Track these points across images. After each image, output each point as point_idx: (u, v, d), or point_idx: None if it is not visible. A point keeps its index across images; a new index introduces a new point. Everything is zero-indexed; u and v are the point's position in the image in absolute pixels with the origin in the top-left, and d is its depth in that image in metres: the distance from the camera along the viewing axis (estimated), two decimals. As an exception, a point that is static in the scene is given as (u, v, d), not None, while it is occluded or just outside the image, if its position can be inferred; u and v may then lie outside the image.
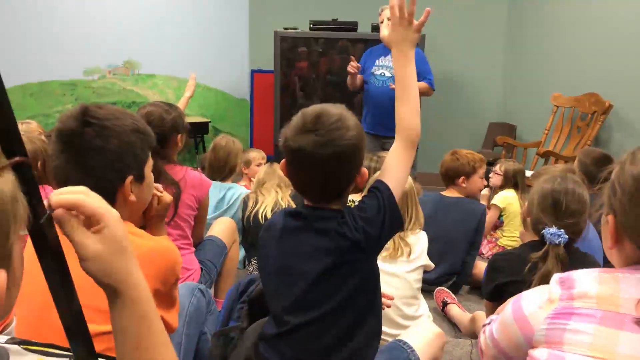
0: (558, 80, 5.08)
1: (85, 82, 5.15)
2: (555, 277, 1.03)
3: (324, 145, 1.24)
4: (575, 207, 1.70)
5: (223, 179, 3.21)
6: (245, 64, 5.75)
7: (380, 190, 1.33)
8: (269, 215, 2.83)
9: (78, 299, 0.61)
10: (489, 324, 1.26)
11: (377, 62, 4.33)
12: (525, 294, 1.10)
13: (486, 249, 3.71)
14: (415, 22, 1.37)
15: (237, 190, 3.20)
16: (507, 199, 3.65)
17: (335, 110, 1.30)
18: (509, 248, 3.58)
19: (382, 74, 4.29)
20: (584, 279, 0.98)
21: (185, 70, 5.14)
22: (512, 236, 3.61)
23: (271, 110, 5.28)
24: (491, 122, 5.71)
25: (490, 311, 2.03)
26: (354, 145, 1.29)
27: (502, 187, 3.77)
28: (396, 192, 1.33)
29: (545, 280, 1.68)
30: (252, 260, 2.95)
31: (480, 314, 2.41)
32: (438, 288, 2.90)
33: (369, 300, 1.37)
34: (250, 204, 2.91)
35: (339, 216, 1.33)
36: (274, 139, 5.20)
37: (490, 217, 3.62)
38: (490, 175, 3.91)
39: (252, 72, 5.72)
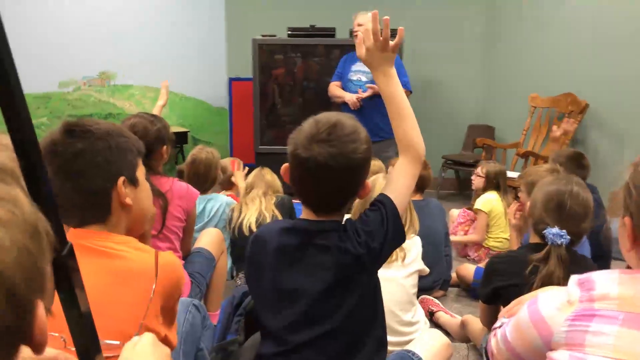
0: (535, 81, 5.14)
1: (60, 95, 5.04)
2: (574, 278, 1.02)
3: (337, 156, 1.22)
4: (579, 210, 1.70)
5: (203, 191, 3.16)
6: (222, 72, 5.70)
7: (384, 203, 1.31)
8: (253, 226, 2.79)
9: (97, 335, 0.58)
10: (499, 327, 1.23)
11: (352, 68, 4.33)
12: (541, 295, 1.08)
13: (472, 251, 3.72)
14: (391, 44, 1.35)
15: (217, 201, 3.14)
16: (491, 201, 3.66)
17: (350, 121, 1.28)
18: (495, 249, 3.60)
19: (359, 79, 4.29)
20: (604, 280, 0.96)
21: (162, 80, 5.07)
22: (497, 237, 3.62)
23: (250, 118, 5.23)
24: (470, 124, 5.74)
25: (487, 314, 2.02)
26: (366, 159, 1.27)
27: (484, 189, 3.78)
28: (400, 206, 1.32)
29: (547, 281, 1.68)
30: (240, 273, 2.89)
31: (470, 318, 2.40)
32: (422, 296, 2.87)
33: (372, 312, 1.34)
34: (235, 215, 2.87)
35: (340, 229, 1.30)
36: (255, 147, 5.15)
37: (480, 223, 3.62)
38: (473, 177, 3.93)
39: (230, 80, 5.67)
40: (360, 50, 1.38)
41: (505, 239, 3.59)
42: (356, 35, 4.14)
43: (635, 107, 4.32)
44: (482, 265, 3.13)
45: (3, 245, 0.41)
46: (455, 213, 3.96)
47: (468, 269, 3.03)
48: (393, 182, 1.36)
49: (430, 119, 5.85)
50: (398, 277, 2.11)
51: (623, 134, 4.47)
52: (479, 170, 3.86)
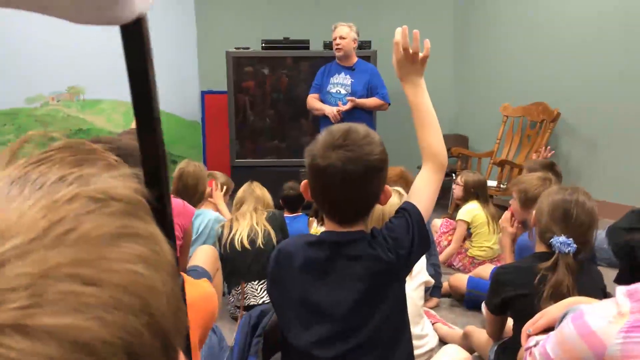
0: (506, 91, 5.25)
1: (27, 111, 4.86)
2: (622, 289, 1.02)
3: (355, 160, 1.23)
4: (585, 218, 1.73)
5: (192, 206, 3.08)
6: (195, 85, 5.61)
7: (408, 211, 1.32)
8: (245, 242, 2.75)
9: None
10: (534, 345, 1.23)
11: (332, 80, 4.33)
12: (586, 309, 1.08)
13: (456, 260, 3.75)
14: (420, 55, 1.38)
15: (205, 216, 3.08)
16: (472, 211, 3.70)
17: (361, 126, 1.30)
18: (480, 258, 3.64)
19: (338, 92, 4.30)
20: None
21: (133, 93, 4.95)
22: (481, 246, 3.66)
23: (224, 131, 5.18)
24: (444, 134, 5.80)
25: (494, 325, 2.03)
26: (383, 161, 1.28)
27: (464, 198, 3.82)
28: (425, 214, 1.33)
29: (557, 290, 1.69)
30: (233, 290, 2.83)
31: (473, 329, 2.41)
32: None
33: (401, 323, 1.33)
34: (226, 231, 2.81)
35: (368, 236, 1.30)
36: (230, 161, 5.09)
37: (459, 232, 3.67)
38: (453, 186, 3.98)
39: (203, 93, 5.60)
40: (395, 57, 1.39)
41: (489, 247, 3.64)
42: (338, 48, 4.15)
43: (604, 115, 4.46)
44: (472, 274, 3.16)
45: (157, 289, 0.35)
46: (438, 223, 3.99)
47: (460, 279, 3.04)
48: (417, 190, 1.37)
49: (405, 130, 5.90)
50: (406, 289, 2.09)
51: (593, 141, 4.60)
52: (458, 179, 3.90)
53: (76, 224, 0.33)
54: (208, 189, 3.19)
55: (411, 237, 1.29)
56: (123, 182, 0.39)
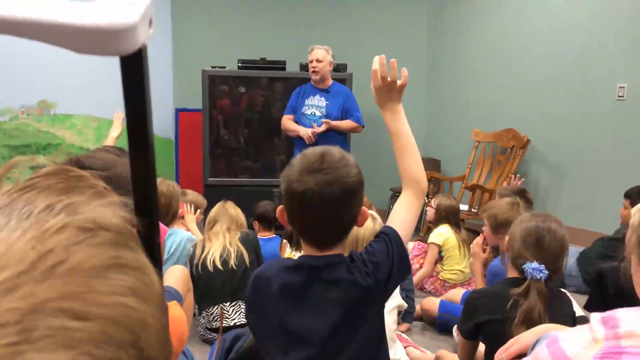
0: (478, 117, 5.35)
1: (-5, 124, 4.77)
2: (596, 316, 1.03)
3: (332, 183, 1.23)
4: (556, 246, 1.76)
5: (164, 225, 3.04)
6: (169, 102, 5.58)
7: (389, 235, 1.33)
8: (217, 262, 2.72)
9: None
10: None
11: (307, 102, 4.35)
12: (560, 335, 1.09)
13: (428, 283, 3.77)
14: (398, 83, 1.40)
15: (177, 236, 3.03)
16: (443, 234, 3.74)
17: (336, 149, 1.30)
18: (451, 282, 3.67)
19: (313, 114, 4.32)
20: (629, 317, 0.98)
21: (105, 109, 4.90)
22: (452, 269, 3.69)
23: (197, 150, 5.14)
24: (416, 157, 5.88)
25: (466, 350, 2.04)
26: (359, 182, 1.29)
27: (436, 221, 3.85)
28: (404, 238, 1.34)
29: (529, 316, 1.71)
30: (204, 312, 2.78)
31: (445, 353, 2.42)
32: None
33: (379, 347, 1.33)
34: (198, 251, 2.78)
35: (347, 260, 1.30)
36: (204, 179, 5.05)
37: (431, 256, 3.70)
38: (427, 209, 4.01)
39: (177, 111, 5.56)
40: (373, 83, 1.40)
41: (460, 270, 3.67)
42: (314, 71, 4.18)
43: (572, 142, 4.58)
44: (443, 298, 3.18)
45: (147, 322, 0.34)
46: (410, 245, 4.01)
47: (432, 303, 3.06)
48: (397, 215, 1.38)
49: (378, 153, 5.96)
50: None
51: (561, 168, 4.71)
52: (432, 202, 3.94)
53: (65, 255, 0.32)
54: (180, 210, 3.15)
55: (391, 261, 1.30)
56: (112, 210, 0.38)
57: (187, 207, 3.51)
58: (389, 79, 1.38)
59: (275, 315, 1.29)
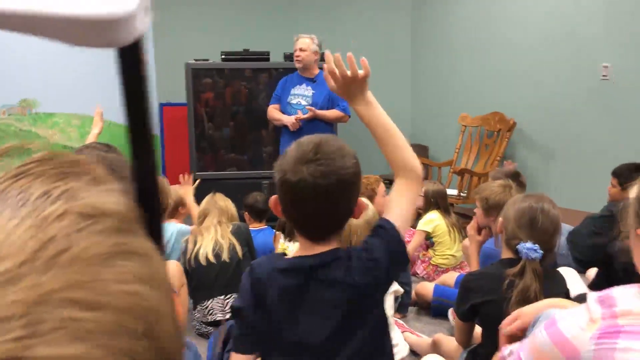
0: (464, 101, 5.36)
1: (-24, 125, 4.68)
2: (593, 296, 1.03)
3: (328, 174, 1.18)
4: (549, 225, 1.77)
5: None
6: (153, 97, 5.51)
7: (385, 228, 1.27)
8: (209, 256, 2.70)
9: None
10: (509, 355, 1.23)
11: (292, 92, 4.33)
12: (558, 316, 1.09)
13: (420, 268, 3.78)
14: (361, 73, 1.30)
15: (168, 230, 3.02)
16: (433, 221, 3.74)
17: (332, 139, 1.26)
18: (443, 266, 3.68)
19: (299, 103, 4.30)
20: (625, 296, 0.99)
21: (88, 107, 4.80)
22: (444, 254, 3.70)
23: (183, 144, 5.09)
24: (404, 144, 5.88)
25: (463, 332, 2.05)
26: (356, 174, 1.24)
27: (425, 208, 3.86)
28: (402, 230, 1.28)
29: (525, 295, 1.72)
30: (199, 305, 2.77)
31: (442, 337, 2.42)
32: None
33: (381, 345, 1.31)
34: (190, 245, 2.76)
35: (344, 257, 1.25)
36: (191, 173, 5.00)
37: (416, 241, 3.69)
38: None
39: (161, 105, 5.50)
40: (330, 84, 1.34)
41: (452, 255, 3.68)
42: (298, 60, 4.15)
43: (558, 124, 4.61)
44: (437, 282, 3.19)
45: (158, 310, 0.33)
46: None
47: (426, 288, 3.06)
48: (394, 206, 1.32)
49: (365, 141, 5.93)
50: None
51: (548, 149, 4.74)
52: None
53: (68, 243, 0.30)
54: (172, 203, 3.13)
55: (388, 256, 1.25)
56: (112, 196, 0.36)
57: (181, 177, 3.60)
58: (349, 74, 1.29)
59: (275, 321, 1.26)
